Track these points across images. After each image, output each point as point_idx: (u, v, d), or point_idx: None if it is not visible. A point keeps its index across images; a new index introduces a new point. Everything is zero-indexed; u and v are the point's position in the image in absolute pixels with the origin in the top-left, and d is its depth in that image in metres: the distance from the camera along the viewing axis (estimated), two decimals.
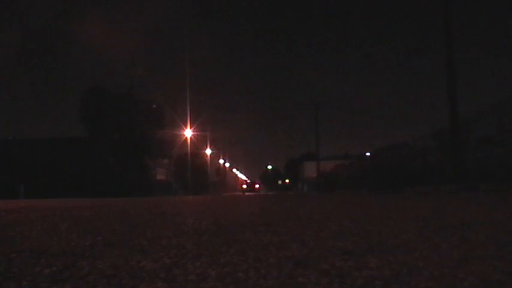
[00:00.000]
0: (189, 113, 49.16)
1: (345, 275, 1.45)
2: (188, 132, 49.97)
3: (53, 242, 2.48)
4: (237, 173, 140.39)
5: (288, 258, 1.78)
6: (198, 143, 60.29)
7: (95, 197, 24.54)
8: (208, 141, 66.34)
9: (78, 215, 5.20)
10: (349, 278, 1.40)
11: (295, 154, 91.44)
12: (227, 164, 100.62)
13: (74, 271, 1.62)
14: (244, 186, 72.93)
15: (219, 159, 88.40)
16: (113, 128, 42.55)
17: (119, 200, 14.41)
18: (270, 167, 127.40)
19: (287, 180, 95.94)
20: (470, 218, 3.53)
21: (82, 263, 1.77)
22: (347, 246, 2.09)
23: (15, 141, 46.00)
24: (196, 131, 52.93)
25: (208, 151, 68.78)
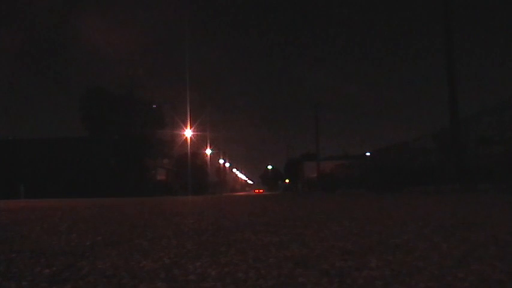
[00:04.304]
0: (189, 113, 49.10)
1: (345, 275, 1.45)
2: (188, 132, 49.91)
3: (53, 242, 2.48)
4: (237, 173, 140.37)
5: (288, 258, 1.78)
6: (198, 143, 60.26)
7: (95, 197, 24.53)
8: (208, 141, 66.32)
9: (78, 215, 5.20)
10: (349, 278, 1.40)
11: (295, 154, 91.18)
12: (227, 164, 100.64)
13: (74, 271, 1.62)
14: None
15: (219, 159, 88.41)
16: (113, 128, 42.55)
17: (119, 200, 14.41)
18: (270, 167, 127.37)
19: (287, 180, 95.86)
20: (470, 218, 3.53)
21: (82, 263, 1.77)
22: (347, 246, 2.09)
23: (15, 141, 45.99)
24: (196, 131, 52.90)
25: (208, 151, 68.76)
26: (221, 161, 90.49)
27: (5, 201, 15.34)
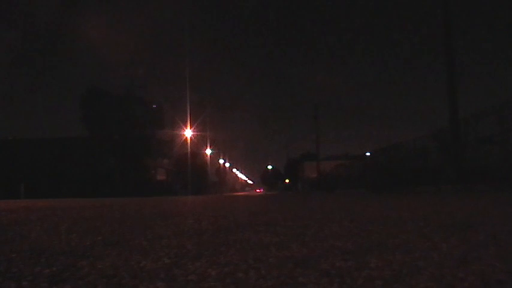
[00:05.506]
0: (189, 113, 49.13)
1: (345, 275, 1.45)
2: (188, 132, 49.91)
3: (53, 242, 2.48)
4: (237, 173, 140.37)
5: (288, 258, 1.78)
6: (198, 143, 60.26)
7: (95, 197, 24.53)
8: (208, 141, 66.32)
9: (78, 215, 5.20)
10: (349, 278, 1.40)
11: (295, 154, 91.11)
12: (227, 164, 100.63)
13: (74, 271, 1.62)
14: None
15: (219, 159, 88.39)
16: (113, 128, 42.57)
17: (119, 200, 14.41)
18: (270, 167, 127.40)
19: (287, 180, 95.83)
20: (470, 218, 3.53)
21: (82, 263, 1.77)
22: (347, 246, 2.09)
23: (15, 141, 46.00)
24: (196, 131, 52.89)
25: (208, 151, 68.76)
26: (221, 161, 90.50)
27: (5, 201, 15.34)
